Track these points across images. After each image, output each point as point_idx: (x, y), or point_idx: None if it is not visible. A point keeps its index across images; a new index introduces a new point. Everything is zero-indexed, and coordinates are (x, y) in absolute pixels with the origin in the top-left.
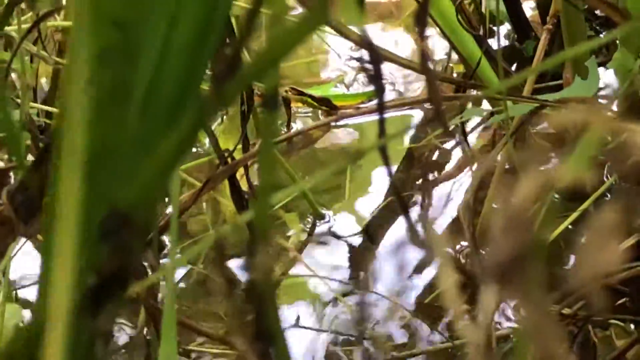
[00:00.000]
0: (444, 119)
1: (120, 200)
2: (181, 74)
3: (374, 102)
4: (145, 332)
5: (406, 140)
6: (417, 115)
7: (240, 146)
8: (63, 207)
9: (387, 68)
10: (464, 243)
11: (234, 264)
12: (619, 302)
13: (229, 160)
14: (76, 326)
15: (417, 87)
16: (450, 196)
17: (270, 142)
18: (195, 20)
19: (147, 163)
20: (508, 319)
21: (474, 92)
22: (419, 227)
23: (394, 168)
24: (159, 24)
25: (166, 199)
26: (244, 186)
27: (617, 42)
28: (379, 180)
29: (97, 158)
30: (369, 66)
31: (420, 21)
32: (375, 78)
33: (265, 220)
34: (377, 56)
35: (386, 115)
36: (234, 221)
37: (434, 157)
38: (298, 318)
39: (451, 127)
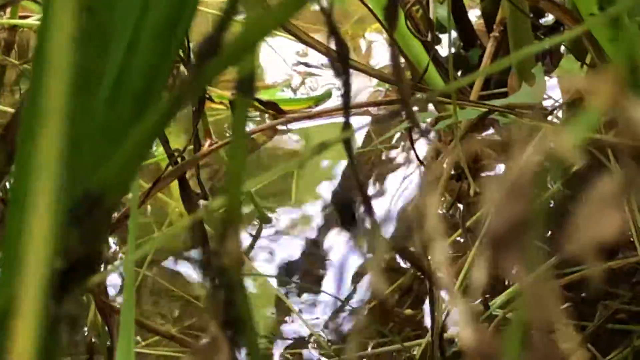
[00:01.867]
0: (413, 116)
1: (92, 185)
2: (151, 61)
3: (321, 107)
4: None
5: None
6: (364, 122)
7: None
8: (38, 192)
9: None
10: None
11: (181, 263)
12: (563, 306)
13: (179, 160)
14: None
15: (365, 94)
16: (395, 200)
17: (243, 127)
18: (166, 7)
19: (122, 147)
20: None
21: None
22: (365, 230)
23: (340, 173)
24: (130, 10)
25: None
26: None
27: (562, 50)
28: (325, 185)
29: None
30: (336, 59)
31: (390, 20)
32: (343, 71)
33: (236, 207)
34: (345, 47)
35: (334, 120)
36: (184, 220)
37: (381, 163)
38: None
39: (397, 135)
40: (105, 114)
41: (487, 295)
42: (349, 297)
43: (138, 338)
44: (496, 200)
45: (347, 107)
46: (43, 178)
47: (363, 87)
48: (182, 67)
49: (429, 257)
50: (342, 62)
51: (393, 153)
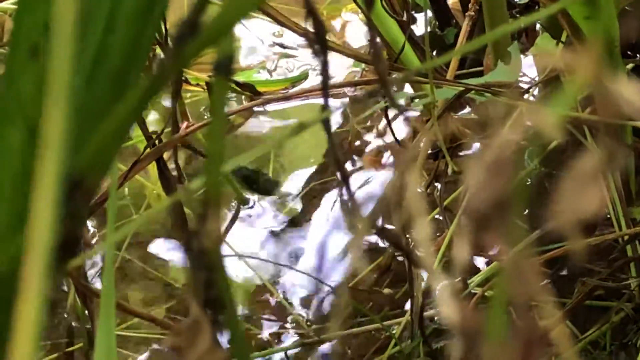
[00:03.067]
0: (391, 94)
1: (72, 167)
2: (129, 42)
3: (298, 88)
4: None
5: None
6: (340, 102)
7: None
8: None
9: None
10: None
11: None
12: (541, 283)
13: (157, 142)
14: None
15: (341, 75)
16: (370, 181)
17: (222, 107)
18: None
19: (100, 128)
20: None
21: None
22: (346, 210)
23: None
24: None
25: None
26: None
27: (538, 29)
28: (302, 166)
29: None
30: (313, 40)
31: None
32: (321, 51)
33: (216, 186)
34: (322, 26)
35: (311, 101)
36: (163, 202)
37: (357, 143)
38: None
39: (371, 112)
40: (83, 95)
41: (466, 274)
42: (328, 277)
43: (118, 320)
44: (476, 176)
45: (325, 87)
46: (48, 157)
47: (339, 67)
48: (159, 50)
49: (408, 236)
50: (320, 42)
51: (370, 133)
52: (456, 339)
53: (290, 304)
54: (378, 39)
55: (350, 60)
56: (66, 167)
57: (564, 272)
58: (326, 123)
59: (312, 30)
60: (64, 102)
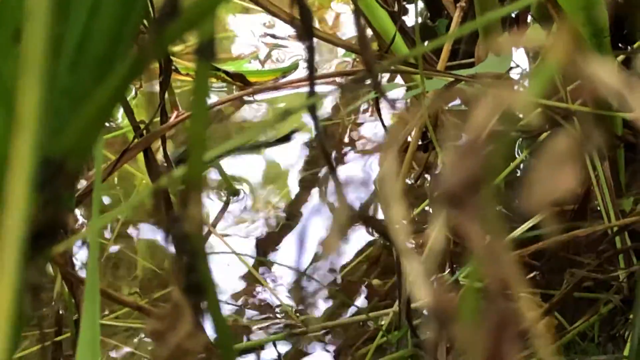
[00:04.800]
0: (377, 80)
1: (54, 150)
2: (113, 26)
3: (288, 78)
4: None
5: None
6: (329, 92)
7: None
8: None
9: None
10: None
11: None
12: (530, 275)
13: (145, 132)
14: None
15: (332, 65)
16: (362, 172)
17: (204, 92)
18: None
19: (82, 110)
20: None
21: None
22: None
23: (307, 144)
24: None
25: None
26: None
27: (530, 21)
28: (293, 157)
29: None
30: (300, 25)
31: None
32: (307, 37)
33: (198, 171)
34: (308, 11)
35: (301, 91)
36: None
37: (347, 133)
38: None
39: (364, 104)
40: (67, 79)
41: (455, 265)
42: (317, 268)
43: (107, 311)
44: (451, 158)
45: (311, 74)
46: (22, 140)
47: (330, 58)
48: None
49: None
50: (305, 28)
51: (361, 122)
52: (431, 321)
53: (279, 294)
54: (368, 29)
55: (342, 52)
56: (46, 151)
57: (553, 264)
58: (312, 110)
59: (299, 17)
60: (39, 85)
